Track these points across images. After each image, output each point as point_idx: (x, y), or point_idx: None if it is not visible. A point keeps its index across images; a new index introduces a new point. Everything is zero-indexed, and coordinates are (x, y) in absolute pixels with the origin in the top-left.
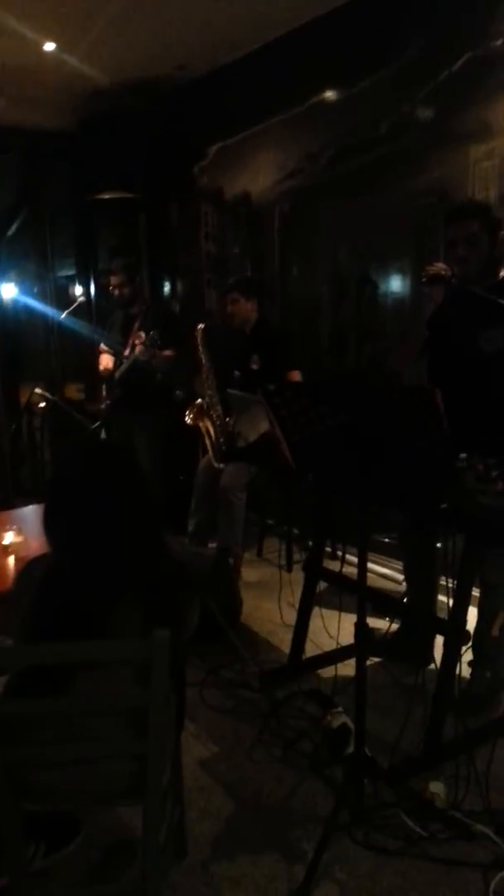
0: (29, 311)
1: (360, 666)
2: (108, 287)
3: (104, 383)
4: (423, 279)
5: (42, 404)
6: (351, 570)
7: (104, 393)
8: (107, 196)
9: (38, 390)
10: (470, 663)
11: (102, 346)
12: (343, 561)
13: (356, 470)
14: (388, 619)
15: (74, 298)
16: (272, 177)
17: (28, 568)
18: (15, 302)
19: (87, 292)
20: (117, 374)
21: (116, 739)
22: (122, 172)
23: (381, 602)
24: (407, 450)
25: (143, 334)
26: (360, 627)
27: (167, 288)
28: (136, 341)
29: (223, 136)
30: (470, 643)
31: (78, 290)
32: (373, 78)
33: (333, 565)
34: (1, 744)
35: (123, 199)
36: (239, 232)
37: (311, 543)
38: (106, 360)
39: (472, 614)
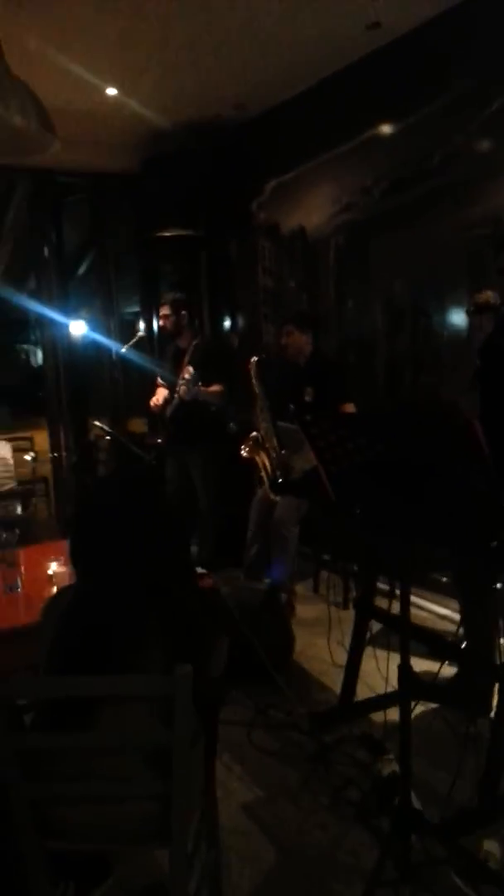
0: (97, 346)
1: (403, 711)
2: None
3: (159, 418)
4: (471, 308)
5: (105, 437)
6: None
7: (151, 432)
8: (167, 234)
9: (97, 423)
10: None
11: (159, 380)
12: (393, 598)
13: (396, 504)
14: (443, 662)
15: (136, 333)
16: (327, 211)
17: (56, 598)
18: (84, 338)
19: (148, 328)
20: (168, 412)
21: (140, 778)
22: (184, 211)
23: (434, 644)
24: (447, 484)
25: (191, 368)
26: (404, 671)
27: (227, 322)
28: (186, 375)
29: (279, 173)
30: None
31: (140, 325)
32: (424, 110)
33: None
34: (24, 778)
35: (184, 236)
36: (295, 266)
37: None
38: (161, 394)
39: None
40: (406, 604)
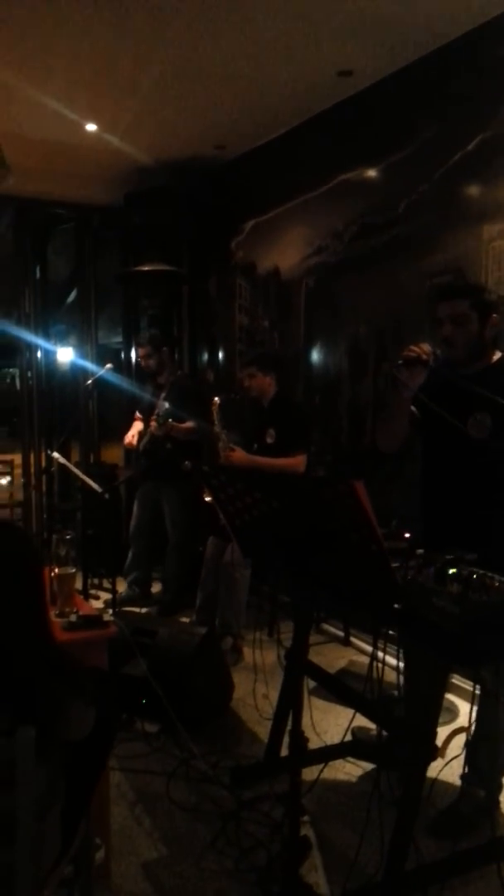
0: (75, 374)
1: (294, 778)
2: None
3: (131, 454)
4: (400, 362)
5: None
6: (362, 659)
7: (126, 463)
8: (146, 268)
9: (55, 454)
10: (462, 776)
11: (137, 414)
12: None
13: (293, 559)
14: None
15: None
16: (300, 253)
17: None
18: (72, 365)
19: (128, 360)
20: (140, 446)
21: None
22: (169, 245)
23: (361, 708)
24: (336, 543)
25: (166, 404)
26: (294, 735)
27: (205, 357)
28: (159, 410)
29: (257, 213)
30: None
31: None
32: (392, 158)
33: (343, 651)
34: None
35: (167, 271)
36: (268, 305)
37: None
38: (136, 428)
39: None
40: (299, 661)
